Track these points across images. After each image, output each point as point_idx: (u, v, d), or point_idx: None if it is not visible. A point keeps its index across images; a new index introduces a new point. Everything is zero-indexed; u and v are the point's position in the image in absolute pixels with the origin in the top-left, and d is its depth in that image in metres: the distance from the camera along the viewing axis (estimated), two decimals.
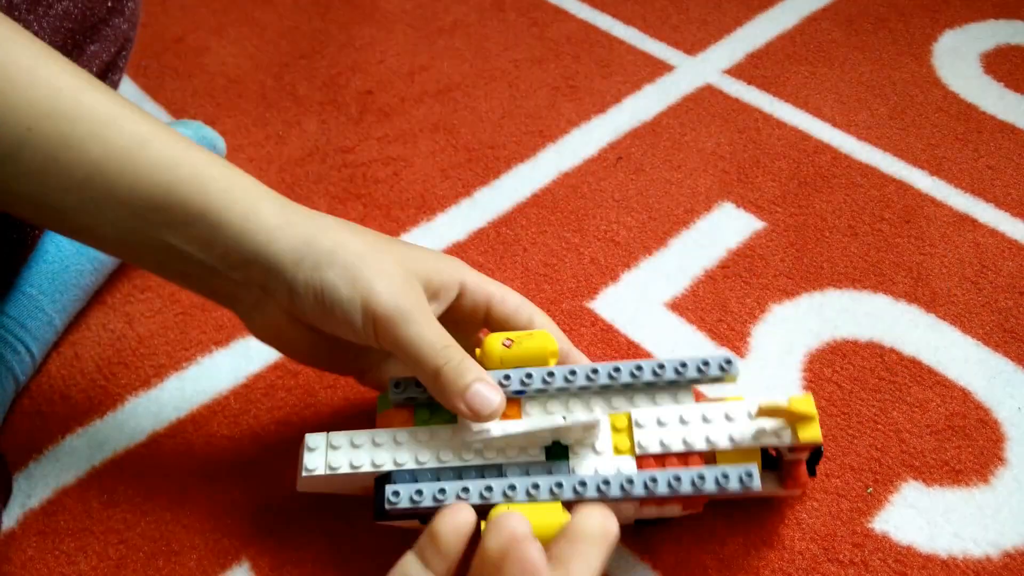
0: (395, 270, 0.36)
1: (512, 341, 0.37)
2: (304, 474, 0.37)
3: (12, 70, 0.32)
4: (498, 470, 0.36)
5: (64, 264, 0.49)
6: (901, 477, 0.44)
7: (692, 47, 0.71)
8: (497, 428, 0.35)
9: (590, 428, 0.35)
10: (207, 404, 0.47)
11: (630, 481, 0.34)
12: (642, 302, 0.52)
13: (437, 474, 0.36)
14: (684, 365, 0.37)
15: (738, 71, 0.69)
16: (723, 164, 0.61)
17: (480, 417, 0.35)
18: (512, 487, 0.34)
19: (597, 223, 0.57)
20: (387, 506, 0.35)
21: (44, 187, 0.33)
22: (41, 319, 0.48)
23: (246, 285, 0.36)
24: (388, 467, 0.36)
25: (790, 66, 0.69)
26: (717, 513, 0.42)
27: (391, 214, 0.58)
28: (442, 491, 0.35)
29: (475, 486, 0.35)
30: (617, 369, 0.37)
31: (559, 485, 0.34)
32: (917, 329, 0.50)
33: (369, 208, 0.59)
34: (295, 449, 0.45)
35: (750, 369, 0.49)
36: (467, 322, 0.40)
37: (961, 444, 0.45)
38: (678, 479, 0.34)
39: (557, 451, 0.36)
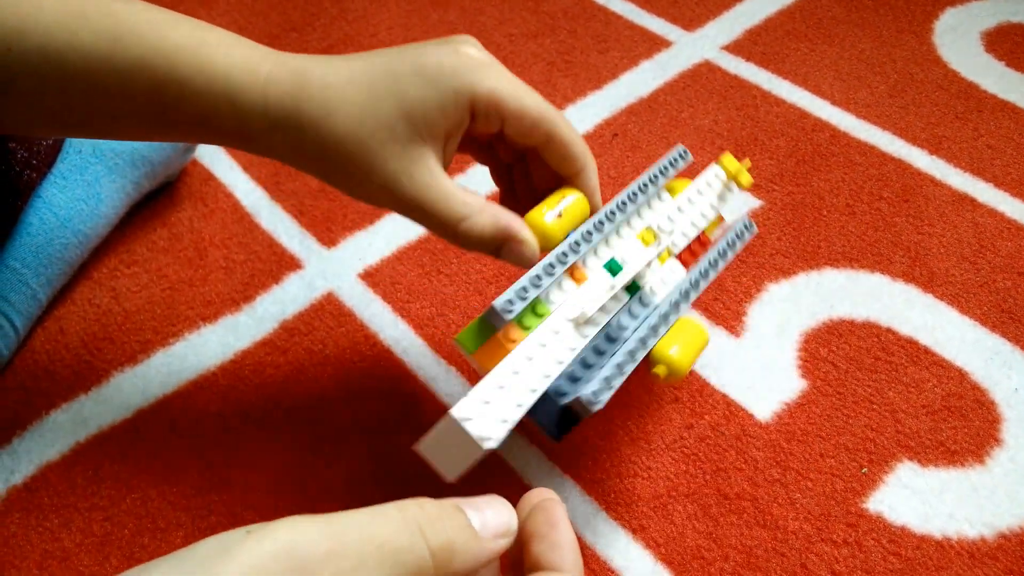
0: (393, 120, 0.33)
1: (561, 215, 0.37)
2: (487, 446, 0.30)
3: None
4: (618, 326, 0.37)
5: (48, 237, 0.48)
6: (896, 457, 0.43)
7: (690, 23, 0.70)
8: (592, 304, 0.36)
9: (650, 259, 0.39)
10: (194, 380, 0.47)
11: (703, 272, 0.39)
12: None
13: (585, 360, 0.35)
14: (664, 169, 0.41)
15: (736, 47, 0.68)
16: (720, 142, 0.60)
17: (520, 262, 0.36)
18: (654, 327, 0.36)
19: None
20: (594, 409, 0.33)
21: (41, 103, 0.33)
22: (25, 293, 0.47)
23: (270, 148, 0.35)
24: (546, 384, 0.33)
25: (789, 43, 0.68)
26: (710, 491, 0.42)
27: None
28: (618, 366, 0.34)
29: (631, 344, 0.35)
30: (631, 196, 0.39)
31: (682, 297, 0.37)
32: (914, 309, 0.50)
33: None
34: (286, 425, 0.44)
35: (745, 348, 0.48)
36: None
37: (957, 424, 0.44)
38: (722, 254, 0.40)
39: (632, 287, 0.38)
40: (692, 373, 0.47)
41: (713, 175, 0.43)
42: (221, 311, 0.50)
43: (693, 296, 0.38)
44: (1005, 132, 0.61)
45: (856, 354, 0.48)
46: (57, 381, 0.47)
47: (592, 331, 0.36)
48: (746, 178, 0.43)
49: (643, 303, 0.38)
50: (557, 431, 0.35)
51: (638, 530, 0.41)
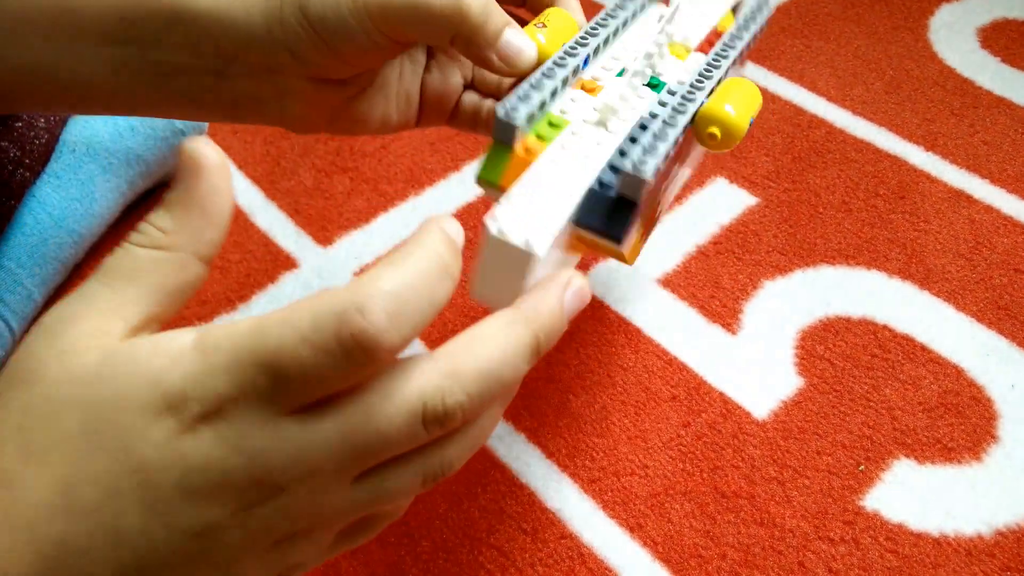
0: None
1: (544, 24, 0.34)
2: (537, 251, 0.26)
3: None
4: (651, 114, 0.32)
5: (43, 237, 0.48)
6: (893, 455, 0.43)
7: None
8: (613, 94, 0.33)
9: (663, 46, 0.36)
10: None
11: (727, 45, 0.35)
12: (633, 278, 0.52)
13: (622, 149, 0.30)
14: None
15: None
16: None
17: (515, 66, 0.31)
18: (698, 82, 0.32)
19: None
20: (644, 176, 0.28)
21: (12, 45, 0.31)
22: (20, 293, 0.47)
23: (255, 76, 0.33)
24: (580, 179, 0.29)
25: (784, 39, 0.68)
26: (707, 490, 0.42)
27: (379, 188, 0.57)
28: (663, 127, 0.30)
29: (675, 101, 0.31)
30: (620, 4, 0.36)
31: (722, 53, 0.34)
32: (911, 306, 0.50)
33: (356, 182, 0.57)
34: None
35: (742, 346, 0.48)
36: None
37: (954, 422, 0.44)
38: (744, 27, 0.36)
39: (656, 85, 0.34)
40: (688, 370, 0.47)
41: None
42: (216, 311, 0.50)
43: (733, 55, 0.35)
44: (1001, 128, 0.61)
45: (853, 351, 0.48)
46: None
47: (620, 126, 0.31)
48: None
49: (672, 93, 0.33)
50: (615, 229, 0.29)
51: (635, 528, 0.41)
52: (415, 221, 0.55)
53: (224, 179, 0.23)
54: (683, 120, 0.31)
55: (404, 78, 0.36)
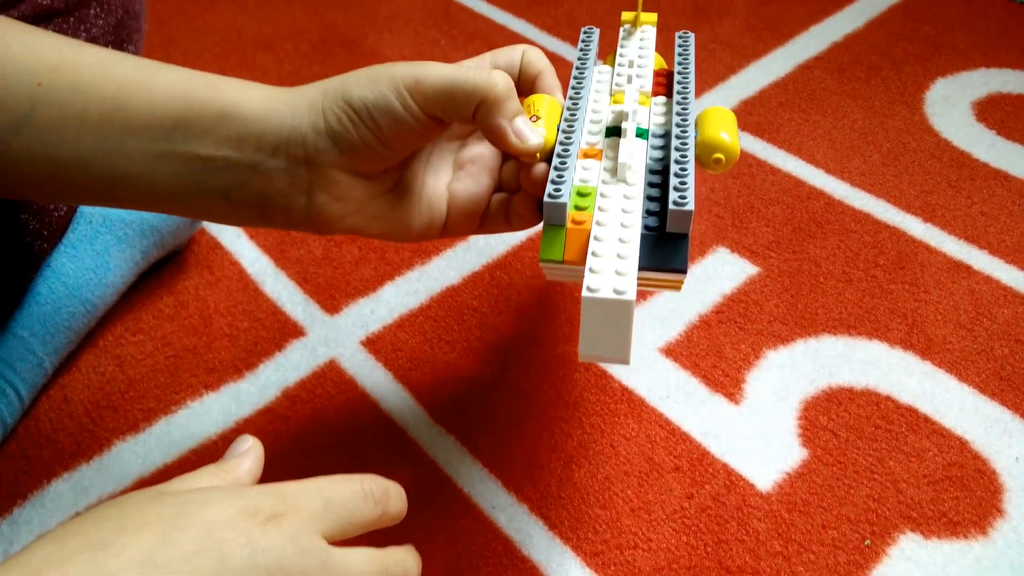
0: (402, 64, 0.36)
1: (537, 116, 0.37)
2: (629, 298, 0.31)
3: (14, 35, 0.33)
4: (654, 159, 0.37)
5: (56, 306, 0.49)
6: (899, 529, 0.43)
7: None
8: (624, 155, 0.36)
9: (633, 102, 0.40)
10: (195, 449, 0.47)
11: (683, 85, 0.40)
12: (636, 347, 0.52)
13: (650, 195, 0.36)
14: (585, 48, 0.43)
15: None
16: (718, 209, 0.61)
17: (526, 146, 0.35)
18: (682, 123, 0.37)
19: None
20: (687, 208, 0.33)
21: (61, 140, 0.33)
22: (31, 361, 0.48)
23: (292, 171, 0.35)
24: (633, 226, 0.34)
25: (783, 113, 0.70)
26: (712, 564, 0.41)
27: (386, 257, 0.58)
28: (679, 167, 0.35)
29: (675, 143, 0.36)
30: (579, 80, 0.41)
31: (682, 93, 0.39)
32: (913, 377, 0.50)
33: (364, 251, 0.59)
34: None
35: (745, 416, 0.48)
36: None
37: (959, 495, 0.44)
38: (685, 64, 0.42)
39: (640, 134, 0.39)
40: (691, 440, 0.47)
41: (624, 32, 0.45)
42: (224, 378, 0.51)
43: (692, 89, 0.40)
44: (998, 200, 0.62)
45: (856, 422, 0.48)
46: (59, 450, 0.47)
47: (636, 177, 0.36)
48: (649, 16, 0.46)
49: (657, 135, 0.39)
50: (677, 262, 0.34)
51: None
52: (422, 289, 0.56)
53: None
54: (691, 154, 0.36)
55: (427, 186, 0.39)
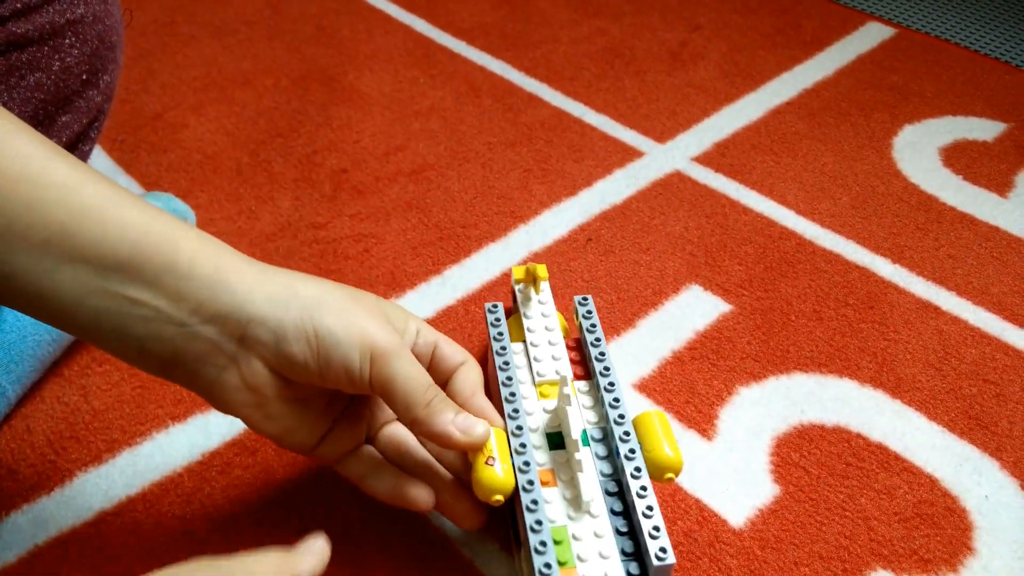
0: (378, 312, 0.38)
1: (494, 459, 0.38)
2: None
3: None
4: (607, 477, 0.41)
5: (22, 334, 0.48)
6: (870, 566, 0.43)
7: (661, 135, 0.73)
8: (584, 492, 0.39)
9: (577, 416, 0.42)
10: (159, 482, 0.46)
11: (604, 372, 0.44)
12: None
13: (617, 528, 0.39)
14: (499, 332, 0.46)
15: (706, 159, 0.71)
16: (691, 248, 0.62)
17: (474, 438, 0.38)
18: (628, 453, 0.40)
19: (566, 303, 0.57)
20: (669, 563, 0.36)
21: (7, 248, 0.32)
22: None
23: (218, 343, 0.35)
24: (616, 559, 0.37)
25: (756, 155, 0.71)
26: None
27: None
28: (647, 514, 0.38)
29: (635, 487, 0.39)
30: (507, 380, 0.43)
31: (611, 408, 0.42)
32: (883, 415, 0.50)
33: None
34: (248, 529, 0.43)
35: (718, 452, 0.48)
36: None
37: (929, 532, 0.44)
38: (598, 349, 0.45)
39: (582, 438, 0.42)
40: None
41: (520, 295, 0.49)
42: (191, 410, 0.50)
43: (613, 396, 0.42)
44: (965, 243, 0.63)
45: (827, 459, 0.48)
46: (20, 481, 0.46)
47: (600, 508, 0.39)
48: (540, 270, 0.48)
49: (597, 439, 0.42)
50: None
51: None
52: None
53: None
54: (647, 481, 0.38)
55: (331, 406, 0.40)
